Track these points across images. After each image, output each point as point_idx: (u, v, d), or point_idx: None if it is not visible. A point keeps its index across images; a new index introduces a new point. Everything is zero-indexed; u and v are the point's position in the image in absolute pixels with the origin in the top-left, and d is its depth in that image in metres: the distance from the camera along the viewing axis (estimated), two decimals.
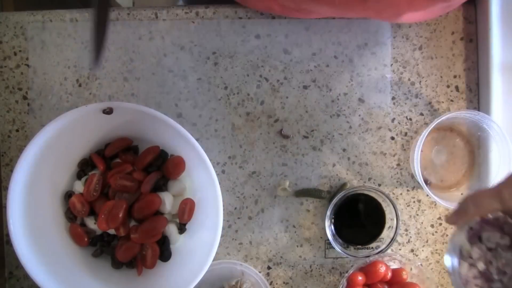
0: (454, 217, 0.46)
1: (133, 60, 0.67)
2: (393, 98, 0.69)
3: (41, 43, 0.67)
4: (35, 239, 0.59)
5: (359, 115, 0.68)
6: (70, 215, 0.63)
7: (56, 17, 0.67)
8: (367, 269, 0.63)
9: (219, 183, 0.60)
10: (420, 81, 0.69)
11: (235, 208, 0.68)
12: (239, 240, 0.68)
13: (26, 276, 0.57)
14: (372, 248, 0.66)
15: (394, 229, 0.63)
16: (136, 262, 0.63)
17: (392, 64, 0.69)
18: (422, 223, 0.69)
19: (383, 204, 0.66)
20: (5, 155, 0.68)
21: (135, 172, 0.63)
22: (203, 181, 0.61)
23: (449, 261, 0.47)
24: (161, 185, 0.63)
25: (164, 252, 0.63)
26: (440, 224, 0.69)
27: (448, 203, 0.63)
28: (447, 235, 0.69)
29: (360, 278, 0.62)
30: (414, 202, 0.69)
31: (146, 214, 0.61)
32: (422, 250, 0.69)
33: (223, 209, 0.61)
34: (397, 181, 0.69)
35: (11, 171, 0.57)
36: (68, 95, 0.67)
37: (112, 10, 0.68)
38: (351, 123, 0.68)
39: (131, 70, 0.67)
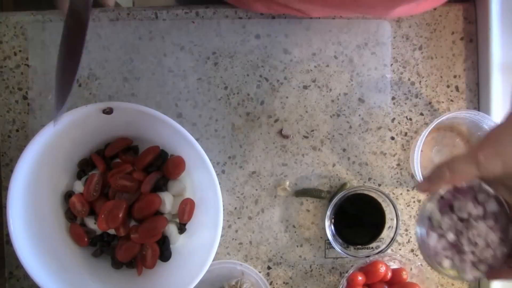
0: (426, 184, 0.44)
1: (133, 60, 0.67)
2: (393, 98, 0.69)
3: (41, 43, 0.67)
4: (35, 239, 0.59)
5: (359, 115, 0.68)
6: (70, 215, 0.63)
7: (56, 17, 0.67)
8: (367, 269, 0.63)
9: (219, 183, 0.60)
10: (420, 81, 0.69)
11: (235, 208, 0.68)
12: (239, 240, 0.68)
13: (26, 276, 0.57)
14: (372, 248, 0.66)
15: (394, 229, 0.63)
16: (136, 262, 0.63)
17: (392, 64, 0.69)
18: None
19: (383, 204, 0.66)
20: (5, 155, 0.68)
21: (135, 172, 0.63)
22: (203, 181, 0.61)
23: (418, 232, 0.45)
24: (161, 185, 0.63)
25: (164, 252, 0.63)
26: None
27: None
28: None
29: (360, 278, 0.62)
30: (414, 202, 0.69)
31: (146, 214, 0.61)
32: None
33: (223, 209, 0.61)
34: (397, 181, 0.69)
35: (11, 171, 0.57)
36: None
37: (112, 10, 0.68)
38: (351, 123, 0.68)
39: (131, 70, 0.67)
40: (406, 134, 0.69)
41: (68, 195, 0.63)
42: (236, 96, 0.68)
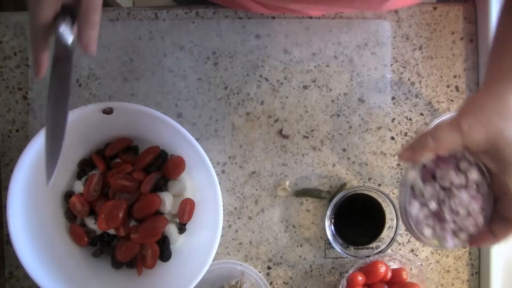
0: (409, 153, 0.43)
1: (133, 60, 0.67)
2: (393, 98, 0.69)
3: None
4: (35, 239, 0.59)
5: (359, 115, 0.68)
6: (70, 215, 0.63)
7: None
8: (367, 269, 0.63)
9: (219, 183, 0.60)
10: (420, 81, 0.69)
11: (235, 208, 0.68)
12: (239, 240, 0.68)
13: (26, 276, 0.57)
14: (372, 248, 0.66)
15: (394, 229, 0.63)
16: (136, 262, 0.63)
17: (392, 64, 0.69)
18: None
19: (383, 204, 0.66)
20: (5, 155, 0.68)
21: (135, 172, 0.63)
22: (203, 181, 0.61)
23: (401, 201, 0.45)
24: (161, 185, 0.63)
25: (164, 252, 0.63)
26: None
27: None
28: None
29: (360, 278, 0.62)
30: None
31: (146, 214, 0.61)
32: (422, 250, 0.69)
33: (223, 209, 0.61)
34: (397, 181, 0.69)
35: (11, 171, 0.57)
36: None
37: (112, 10, 0.68)
38: (351, 123, 0.68)
39: (131, 70, 0.67)
40: (406, 134, 0.69)
41: (68, 195, 0.63)
42: (236, 96, 0.68)
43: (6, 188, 0.60)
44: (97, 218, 0.61)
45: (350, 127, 0.68)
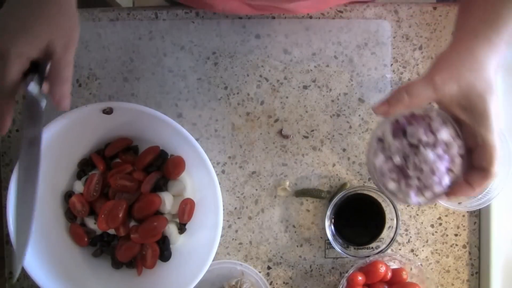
0: (384, 107, 0.44)
1: (133, 60, 0.67)
2: None
3: None
4: (35, 239, 0.59)
5: (359, 115, 0.68)
6: (70, 215, 0.63)
7: None
8: (367, 269, 0.63)
9: (219, 183, 0.60)
10: None
11: (235, 208, 0.68)
12: (239, 240, 0.68)
13: (26, 276, 0.57)
14: (372, 248, 0.66)
15: (394, 229, 0.64)
16: (136, 262, 0.63)
17: (392, 64, 0.69)
18: (422, 223, 0.69)
19: (383, 204, 0.66)
20: (5, 155, 0.67)
21: (135, 172, 0.63)
22: (203, 181, 0.61)
23: (368, 152, 0.47)
24: (161, 185, 0.63)
25: (164, 252, 0.63)
26: (440, 224, 0.69)
27: (448, 203, 0.63)
28: (447, 235, 0.69)
29: (360, 278, 0.62)
30: None
31: (146, 214, 0.61)
32: (422, 250, 0.69)
33: (223, 209, 0.61)
34: None
35: (11, 171, 0.57)
36: None
37: (112, 10, 0.68)
38: (351, 123, 0.68)
39: (131, 70, 0.67)
40: None
41: (68, 195, 0.63)
42: (236, 96, 0.68)
43: (6, 188, 0.60)
44: (97, 218, 0.61)
45: (350, 127, 0.68)
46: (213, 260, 0.59)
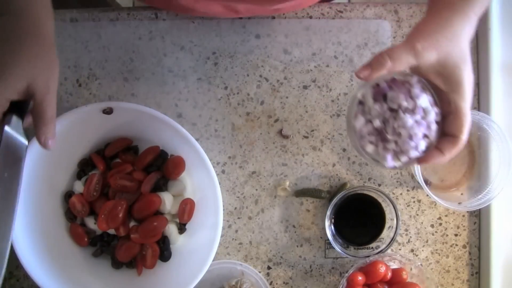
0: (366, 71, 0.45)
1: (133, 60, 0.67)
2: None
3: None
4: (35, 239, 0.59)
5: None
6: (70, 215, 0.63)
7: (56, 17, 0.66)
8: (367, 269, 0.63)
9: (219, 183, 0.60)
10: None
11: (235, 208, 0.68)
12: (239, 240, 0.68)
13: (26, 276, 0.57)
14: (372, 248, 0.66)
15: (394, 229, 0.64)
16: (136, 262, 0.63)
17: None
18: (422, 223, 0.69)
19: (383, 204, 0.66)
20: None
21: (135, 172, 0.63)
22: (203, 181, 0.61)
23: (348, 113, 0.47)
24: (161, 185, 0.63)
25: (164, 252, 0.63)
26: (440, 224, 0.69)
27: (448, 203, 0.63)
28: (447, 235, 0.69)
29: (360, 278, 0.62)
30: (414, 202, 0.69)
31: (146, 214, 0.61)
32: (422, 250, 0.69)
33: (223, 209, 0.61)
34: (397, 181, 0.69)
35: None
36: (68, 95, 0.67)
37: (112, 10, 0.68)
38: None
39: (131, 70, 0.67)
40: None
41: (68, 195, 0.63)
42: (236, 96, 0.68)
43: None
44: (97, 218, 0.61)
45: None
46: (213, 260, 0.59)
